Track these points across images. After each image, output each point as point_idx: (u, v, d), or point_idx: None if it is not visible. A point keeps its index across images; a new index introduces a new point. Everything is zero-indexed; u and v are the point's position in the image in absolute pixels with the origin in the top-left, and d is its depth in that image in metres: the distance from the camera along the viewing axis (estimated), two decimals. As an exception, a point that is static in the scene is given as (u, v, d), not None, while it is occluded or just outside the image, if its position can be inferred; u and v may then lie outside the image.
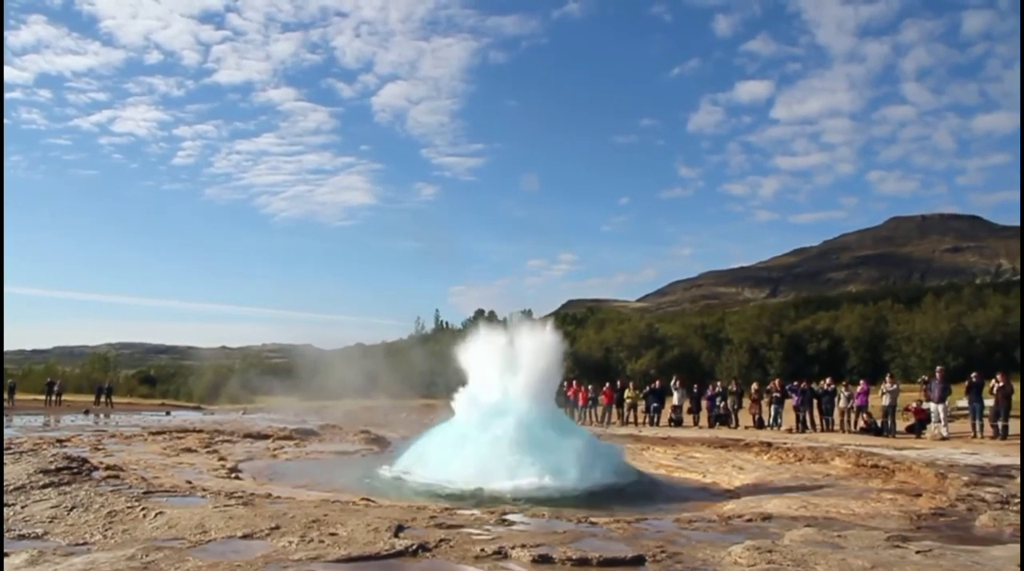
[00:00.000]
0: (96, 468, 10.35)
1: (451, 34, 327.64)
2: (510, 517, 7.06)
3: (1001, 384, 17.68)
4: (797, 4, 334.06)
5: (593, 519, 7.07)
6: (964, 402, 22.45)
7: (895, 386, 20.18)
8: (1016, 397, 19.45)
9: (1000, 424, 17.54)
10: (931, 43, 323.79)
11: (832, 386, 21.87)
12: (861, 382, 21.85)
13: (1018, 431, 16.98)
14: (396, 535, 6.01)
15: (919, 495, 9.33)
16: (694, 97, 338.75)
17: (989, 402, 18.30)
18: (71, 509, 7.06)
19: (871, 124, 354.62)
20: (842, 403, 21.11)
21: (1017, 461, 12.45)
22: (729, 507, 9.24)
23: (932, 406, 18.90)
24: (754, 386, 24.86)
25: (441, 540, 5.85)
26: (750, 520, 7.41)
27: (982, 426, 17.99)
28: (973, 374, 18.62)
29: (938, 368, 20.88)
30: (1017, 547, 6.03)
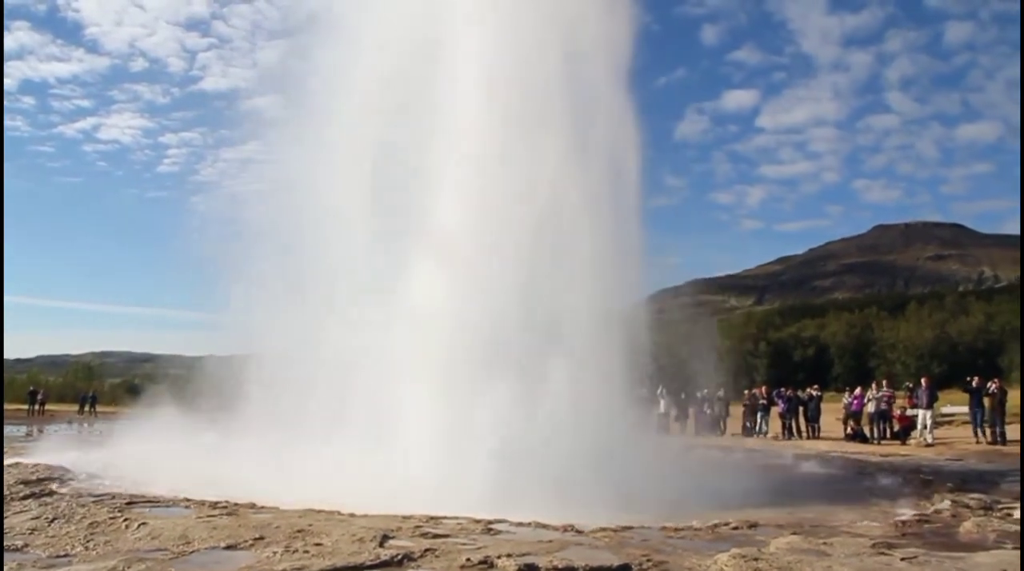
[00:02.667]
0: (78, 478, 10.24)
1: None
2: (496, 526, 7.03)
3: (996, 388, 17.83)
4: (783, 14, 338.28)
5: (579, 528, 7.04)
6: (948, 408, 22.65)
7: (881, 393, 20.26)
8: (1016, 402, 19.62)
9: (997, 430, 17.64)
10: (914, 53, 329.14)
11: (818, 393, 21.94)
12: (858, 389, 21.90)
13: (1012, 437, 17.20)
14: (381, 545, 5.97)
15: (904, 502, 9.36)
16: (680, 106, 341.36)
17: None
18: (52, 520, 6.97)
19: (856, 133, 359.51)
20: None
21: (1000, 467, 12.55)
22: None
23: (920, 413, 19.00)
24: (745, 393, 24.90)
25: (427, 550, 5.82)
26: (736, 528, 7.42)
27: (983, 431, 18.06)
28: (975, 380, 18.63)
29: (924, 376, 21.01)
30: (1001, 553, 6.07)
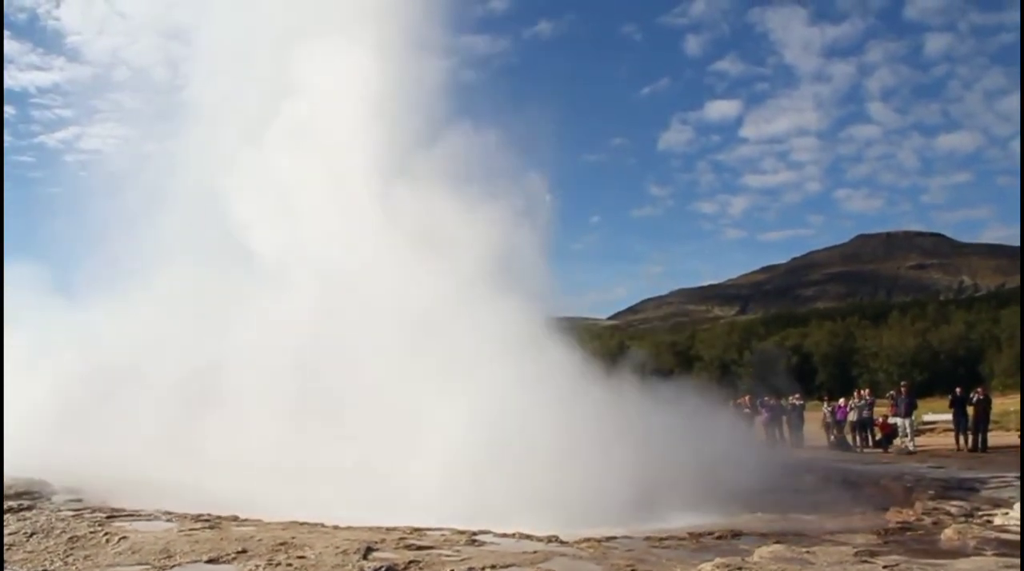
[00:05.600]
0: (57, 491, 10.10)
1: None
2: (480, 538, 7.01)
3: (981, 397, 17.97)
4: (765, 25, 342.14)
5: (563, 538, 7.04)
6: (929, 416, 22.81)
7: (863, 401, 20.36)
8: (999, 409, 19.77)
9: (980, 437, 17.78)
10: (895, 64, 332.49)
11: (801, 402, 22.04)
12: (841, 400, 21.99)
13: (994, 444, 17.39)
14: (365, 557, 5.93)
15: (886, 509, 9.43)
16: (664, 116, 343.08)
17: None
18: (31, 535, 6.88)
19: (837, 143, 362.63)
20: (829, 418, 21.36)
21: (981, 474, 12.65)
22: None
23: (899, 421, 19.12)
24: (731, 403, 24.89)
25: (411, 562, 5.79)
26: (720, 537, 7.45)
27: (967, 439, 18.18)
28: (957, 388, 18.78)
29: (902, 383, 21.13)
30: (981, 560, 6.13)
